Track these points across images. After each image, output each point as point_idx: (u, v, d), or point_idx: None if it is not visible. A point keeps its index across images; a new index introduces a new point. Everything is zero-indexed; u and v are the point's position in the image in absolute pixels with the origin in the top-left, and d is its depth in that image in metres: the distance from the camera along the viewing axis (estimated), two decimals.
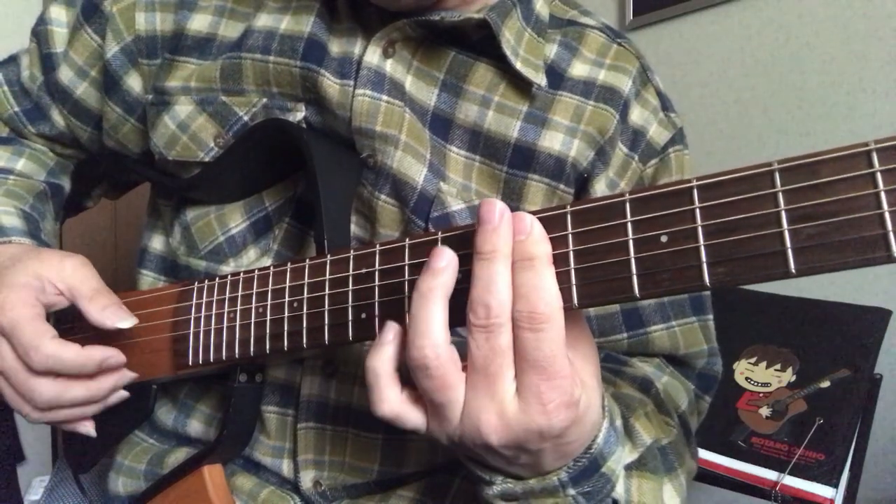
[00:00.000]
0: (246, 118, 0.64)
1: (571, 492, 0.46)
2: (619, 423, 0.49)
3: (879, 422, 1.20)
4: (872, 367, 1.17)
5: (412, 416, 0.43)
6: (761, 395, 1.22)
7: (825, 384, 1.17)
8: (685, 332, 0.67)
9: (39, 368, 0.55)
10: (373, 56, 0.60)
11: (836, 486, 1.07)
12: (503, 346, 0.39)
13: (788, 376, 1.22)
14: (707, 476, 1.19)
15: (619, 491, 0.50)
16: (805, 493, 1.08)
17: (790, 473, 1.10)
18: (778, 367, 1.24)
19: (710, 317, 0.69)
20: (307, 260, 0.51)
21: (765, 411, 1.20)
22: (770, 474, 1.13)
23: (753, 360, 1.27)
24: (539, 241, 0.39)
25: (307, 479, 0.62)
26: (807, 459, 1.11)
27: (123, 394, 0.60)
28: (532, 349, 0.38)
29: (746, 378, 1.25)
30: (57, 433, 1.70)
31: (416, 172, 0.60)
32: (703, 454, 1.19)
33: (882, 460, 1.36)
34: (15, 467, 0.78)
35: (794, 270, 0.32)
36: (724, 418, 1.22)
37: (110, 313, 0.57)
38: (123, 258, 1.83)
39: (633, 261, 0.36)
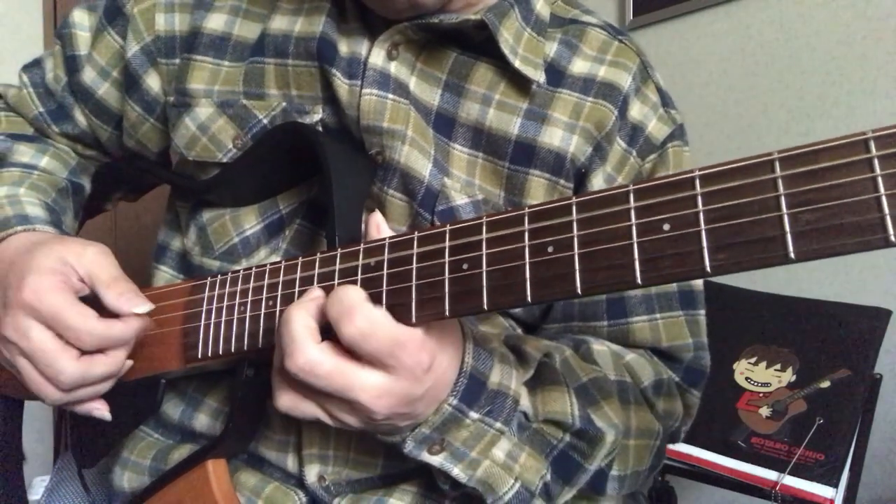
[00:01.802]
0: (265, 121, 0.65)
1: (474, 415, 0.52)
2: (500, 348, 0.55)
3: (879, 422, 1.20)
4: (872, 367, 1.17)
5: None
6: (761, 395, 1.22)
7: (825, 384, 1.17)
8: (668, 325, 0.67)
9: (91, 348, 0.56)
10: (377, 58, 0.62)
11: (836, 486, 1.07)
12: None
13: (788, 376, 1.22)
14: (707, 476, 1.19)
15: (525, 404, 0.55)
16: (805, 493, 1.08)
17: (790, 473, 1.10)
18: (778, 367, 1.24)
19: (701, 311, 0.69)
20: (318, 253, 0.52)
21: (765, 411, 1.20)
22: (770, 474, 1.13)
23: (753, 360, 1.27)
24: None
25: (312, 473, 0.63)
26: (807, 459, 1.11)
27: (129, 363, 0.61)
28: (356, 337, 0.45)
29: (746, 378, 1.25)
30: (59, 432, 1.70)
31: (423, 167, 0.61)
32: (704, 454, 1.20)
33: (882, 460, 1.36)
34: (21, 466, 0.78)
35: (793, 255, 0.32)
36: (724, 418, 1.22)
37: (126, 299, 0.58)
38: (123, 259, 1.83)
39: (635, 247, 0.37)
